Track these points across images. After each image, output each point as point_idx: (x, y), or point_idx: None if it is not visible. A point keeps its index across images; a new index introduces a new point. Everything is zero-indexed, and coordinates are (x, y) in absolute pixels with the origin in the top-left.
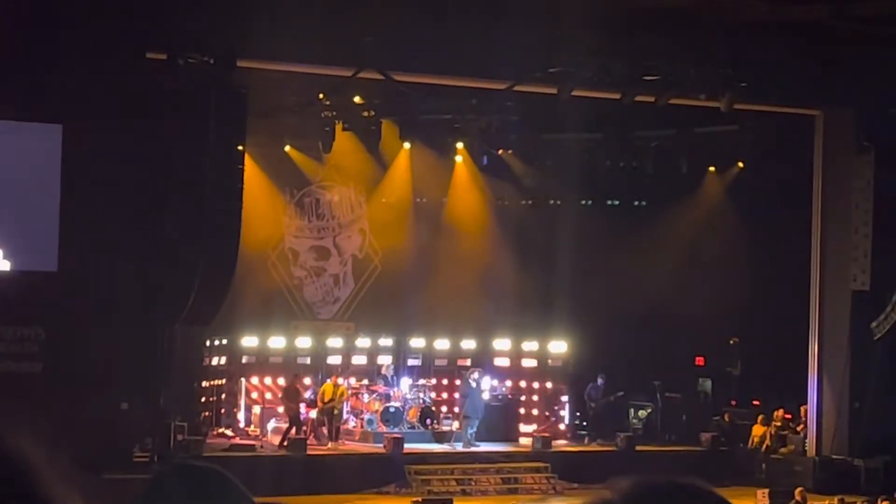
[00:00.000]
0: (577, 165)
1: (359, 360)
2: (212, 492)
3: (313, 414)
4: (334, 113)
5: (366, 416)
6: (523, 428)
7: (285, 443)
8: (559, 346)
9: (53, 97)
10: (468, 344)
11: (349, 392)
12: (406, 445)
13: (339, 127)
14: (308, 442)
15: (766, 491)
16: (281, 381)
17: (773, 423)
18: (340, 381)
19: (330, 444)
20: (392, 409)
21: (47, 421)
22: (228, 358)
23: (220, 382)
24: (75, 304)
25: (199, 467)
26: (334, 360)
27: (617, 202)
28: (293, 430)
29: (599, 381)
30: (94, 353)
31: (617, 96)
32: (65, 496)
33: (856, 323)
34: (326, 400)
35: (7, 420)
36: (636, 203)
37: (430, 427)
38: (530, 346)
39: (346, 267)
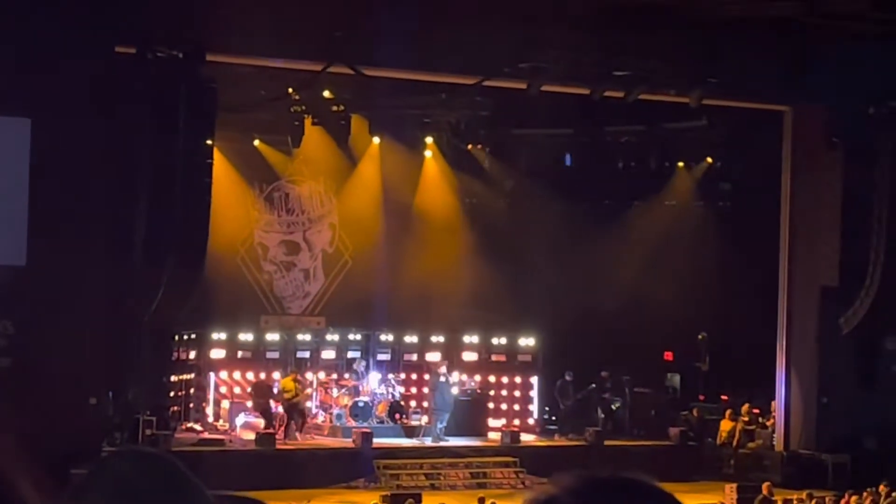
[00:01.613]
0: (547, 161)
1: (328, 354)
2: (160, 478)
3: (280, 409)
4: (304, 107)
5: (334, 411)
6: (492, 423)
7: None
8: (528, 341)
9: (22, 91)
10: (437, 338)
11: (317, 386)
12: (375, 440)
13: (308, 121)
14: (276, 437)
15: (734, 486)
16: (250, 375)
17: (741, 417)
18: (309, 375)
19: (298, 438)
20: (361, 404)
21: (15, 416)
22: (197, 352)
23: (188, 377)
24: (44, 298)
25: (148, 453)
26: (303, 354)
27: (587, 197)
28: (263, 425)
29: (568, 376)
30: (62, 348)
31: (587, 92)
32: (32, 499)
33: (824, 318)
34: (289, 397)
35: None
36: (606, 198)
37: (398, 422)
38: (499, 340)
39: (316, 262)
